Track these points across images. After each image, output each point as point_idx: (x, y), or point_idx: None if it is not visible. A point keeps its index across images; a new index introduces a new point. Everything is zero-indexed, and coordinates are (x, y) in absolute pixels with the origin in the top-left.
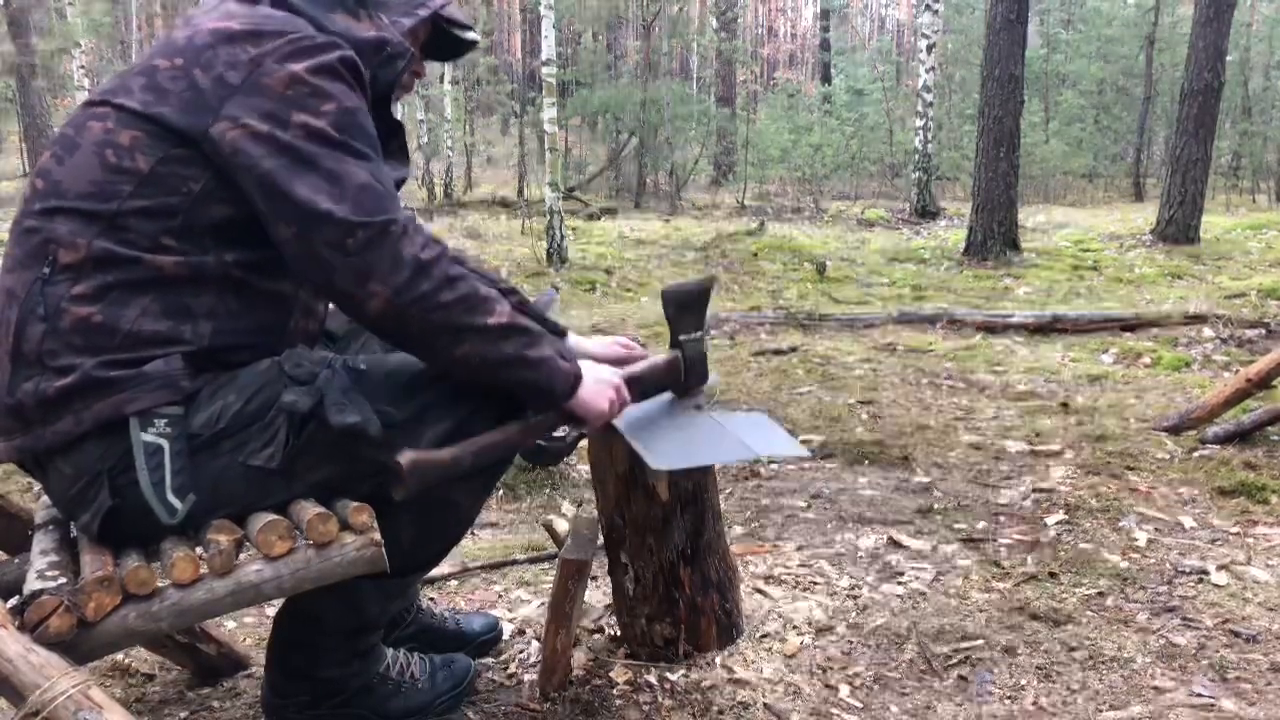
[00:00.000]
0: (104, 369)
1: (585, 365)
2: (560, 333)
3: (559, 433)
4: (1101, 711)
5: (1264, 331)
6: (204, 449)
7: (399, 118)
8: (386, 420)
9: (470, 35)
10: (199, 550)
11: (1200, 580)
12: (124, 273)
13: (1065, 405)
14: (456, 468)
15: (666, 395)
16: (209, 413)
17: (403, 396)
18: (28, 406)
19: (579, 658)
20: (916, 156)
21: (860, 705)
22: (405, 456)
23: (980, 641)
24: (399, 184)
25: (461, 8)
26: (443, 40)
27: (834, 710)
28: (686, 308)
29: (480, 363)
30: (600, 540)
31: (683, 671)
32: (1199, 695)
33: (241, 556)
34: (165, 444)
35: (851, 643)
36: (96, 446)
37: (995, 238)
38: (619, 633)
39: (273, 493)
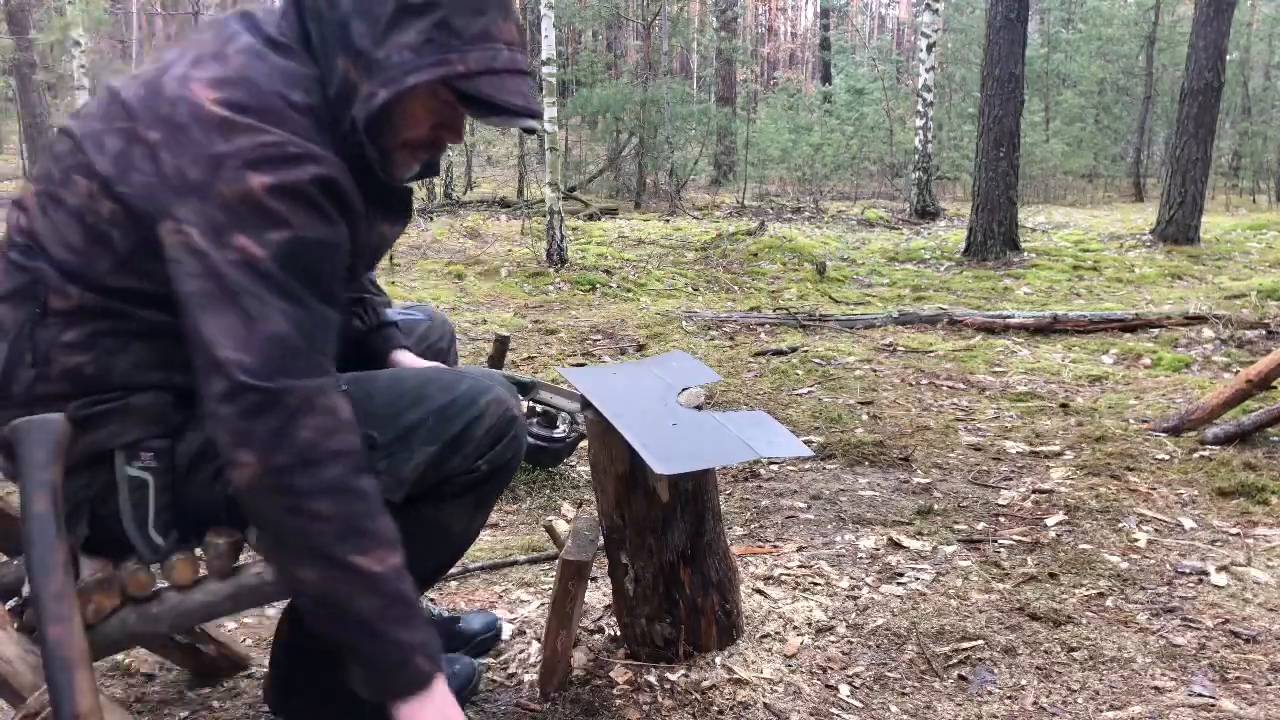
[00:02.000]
0: (90, 406)
1: (439, 695)
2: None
3: (558, 432)
4: (1101, 711)
5: (1264, 332)
6: (186, 477)
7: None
8: (367, 444)
9: (512, 122)
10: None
11: (1200, 581)
12: (116, 322)
13: (1065, 406)
14: None
15: (664, 393)
16: (191, 440)
17: (386, 418)
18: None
19: (579, 658)
20: (916, 156)
21: (860, 705)
22: None
23: (980, 641)
24: (398, 233)
25: (502, 79)
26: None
27: (834, 710)
28: None
29: (319, 601)
30: (600, 541)
31: (683, 671)
32: (1199, 695)
33: (241, 559)
34: (150, 479)
35: (851, 643)
36: (80, 476)
37: (995, 238)
38: (619, 633)
39: None
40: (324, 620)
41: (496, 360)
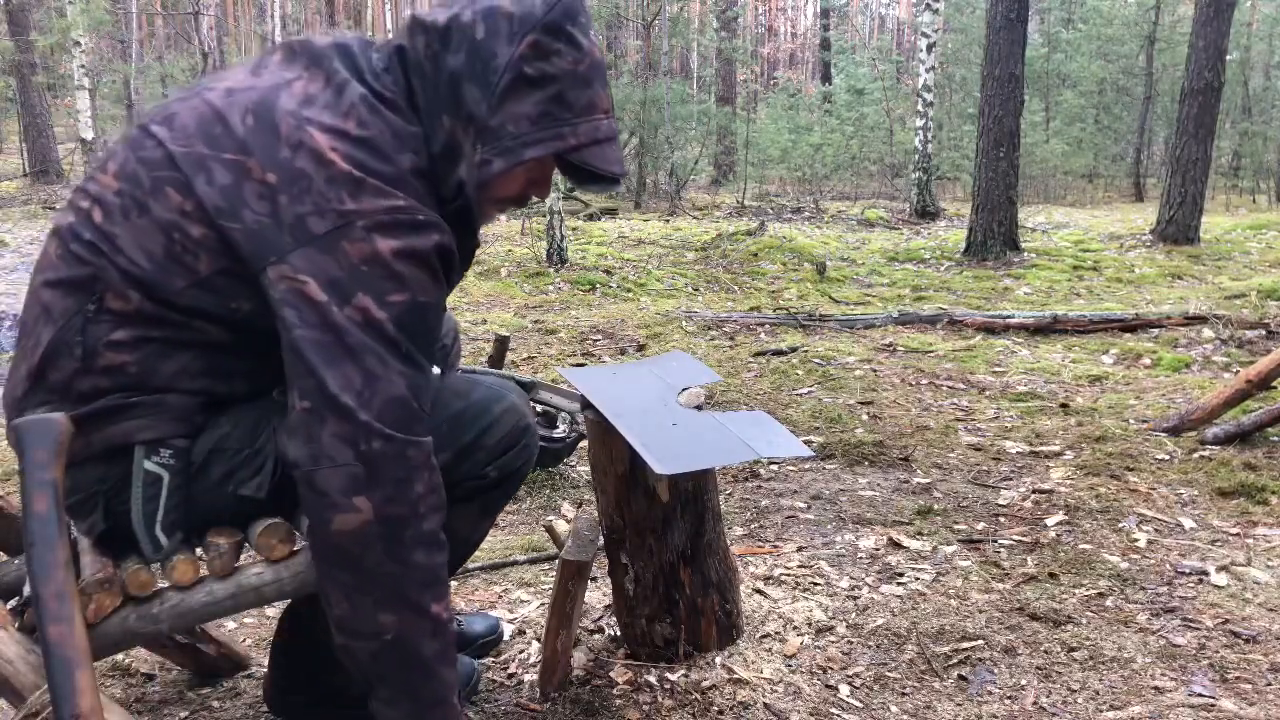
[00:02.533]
0: (124, 397)
1: None
2: None
3: (559, 432)
4: (1101, 711)
5: (1264, 332)
6: (198, 476)
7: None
8: None
9: (607, 188)
10: (199, 552)
11: (1200, 581)
12: (168, 331)
13: (1065, 406)
14: None
15: (664, 393)
16: (206, 440)
17: None
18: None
19: (579, 658)
20: (916, 156)
21: (860, 705)
22: None
23: (980, 641)
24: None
25: (604, 148)
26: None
27: (834, 710)
28: None
29: (394, 644)
30: (600, 541)
31: (683, 671)
32: (1199, 695)
33: (242, 559)
34: (165, 475)
35: (851, 643)
36: (97, 468)
37: (995, 238)
38: (619, 633)
39: (256, 518)
40: (389, 662)
41: (496, 360)
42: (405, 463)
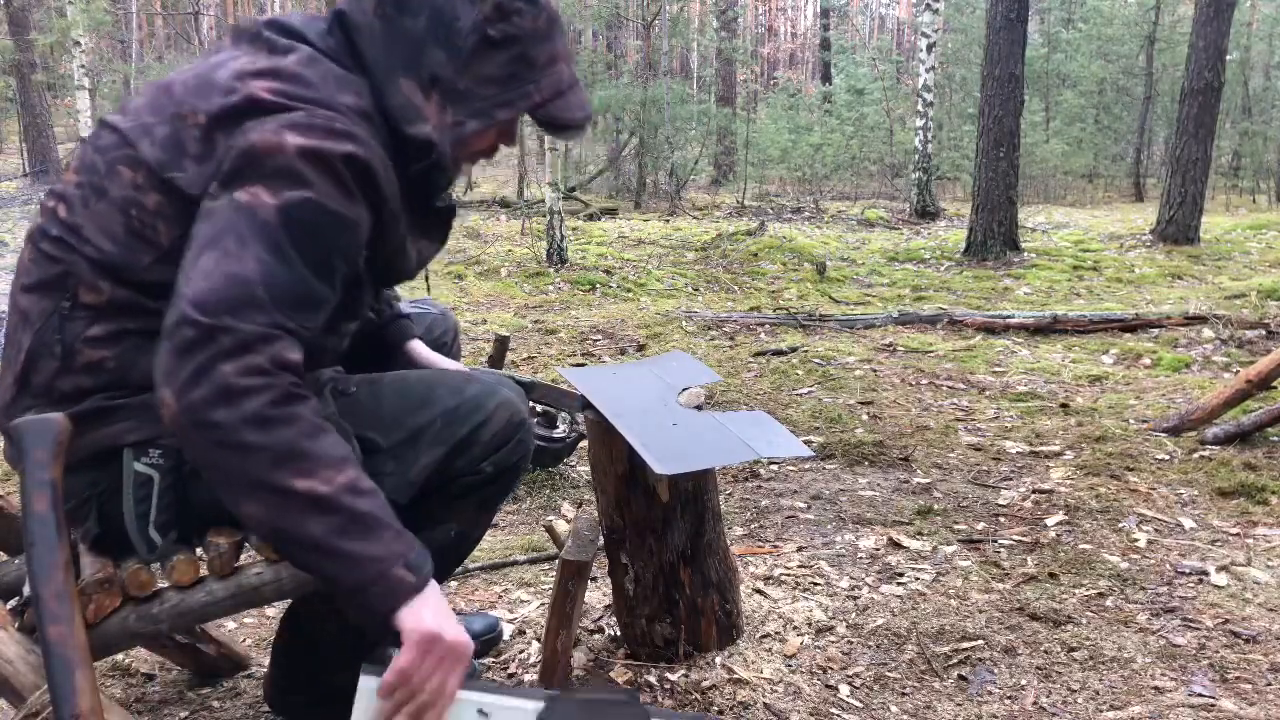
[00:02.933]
0: (107, 400)
1: (433, 599)
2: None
3: (559, 432)
4: (1101, 711)
5: (1264, 332)
6: (192, 475)
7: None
8: (370, 446)
9: (576, 135)
10: (199, 552)
11: (1200, 581)
12: (146, 320)
13: (1065, 406)
14: None
15: (664, 393)
16: None
17: (393, 421)
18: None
19: (579, 658)
20: (916, 156)
21: (860, 705)
22: None
23: (980, 641)
24: (432, 256)
25: (568, 98)
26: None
27: (834, 710)
28: None
29: (273, 534)
30: (600, 541)
31: (683, 671)
32: (1199, 695)
33: (242, 559)
34: (156, 475)
35: (851, 643)
36: (88, 473)
37: (995, 238)
38: (619, 633)
39: None
40: (288, 552)
41: (496, 360)
42: (211, 348)
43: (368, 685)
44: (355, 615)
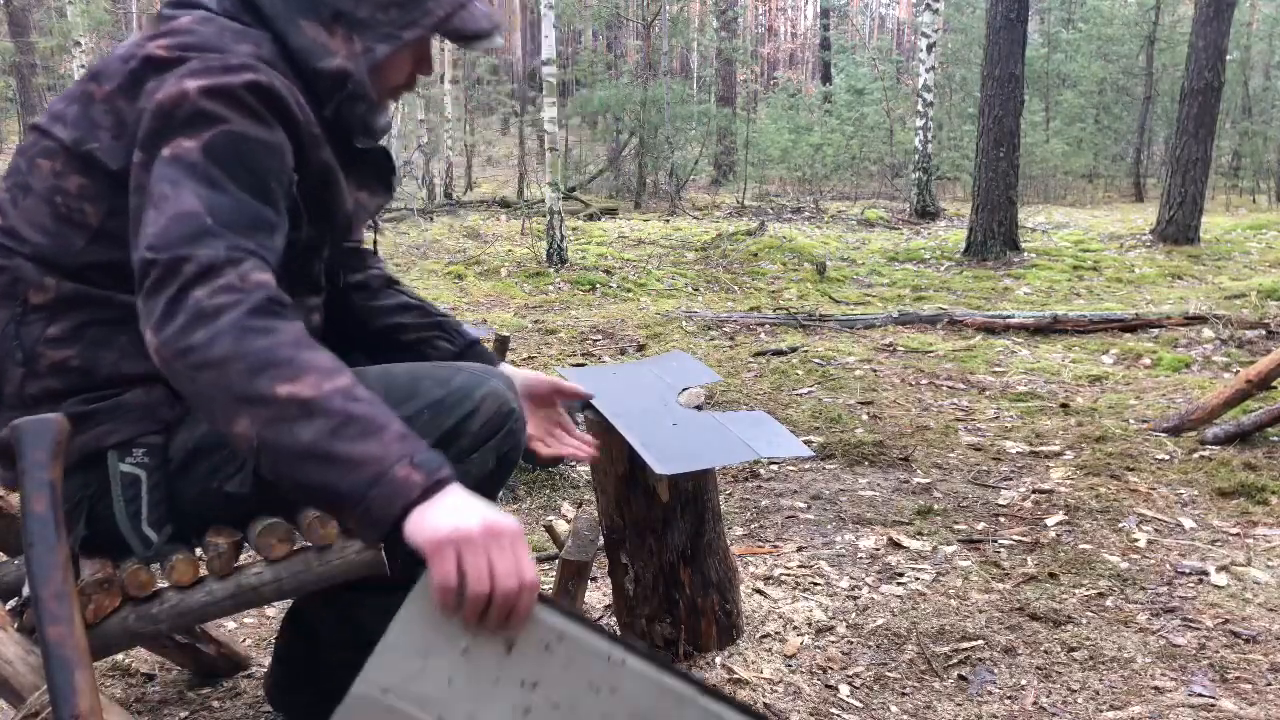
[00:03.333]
0: (84, 404)
1: (449, 496)
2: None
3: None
4: (1101, 711)
5: (1264, 332)
6: (180, 473)
7: (388, 139)
8: None
9: (488, 43)
10: (199, 552)
11: (1200, 581)
12: (98, 311)
13: (1065, 406)
14: None
15: (664, 393)
16: (186, 436)
17: None
18: (11, 444)
19: None
20: (916, 156)
21: (860, 705)
22: None
23: (980, 641)
24: (377, 209)
25: (470, 9)
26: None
27: (834, 710)
28: None
29: (264, 450)
30: (600, 541)
31: None
32: (1199, 695)
33: (241, 559)
34: (143, 474)
35: (851, 643)
36: (77, 476)
37: (995, 238)
38: (619, 633)
39: (253, 517)
40: (281, 471)
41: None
42: (177, 278)
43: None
44: (365, 537)
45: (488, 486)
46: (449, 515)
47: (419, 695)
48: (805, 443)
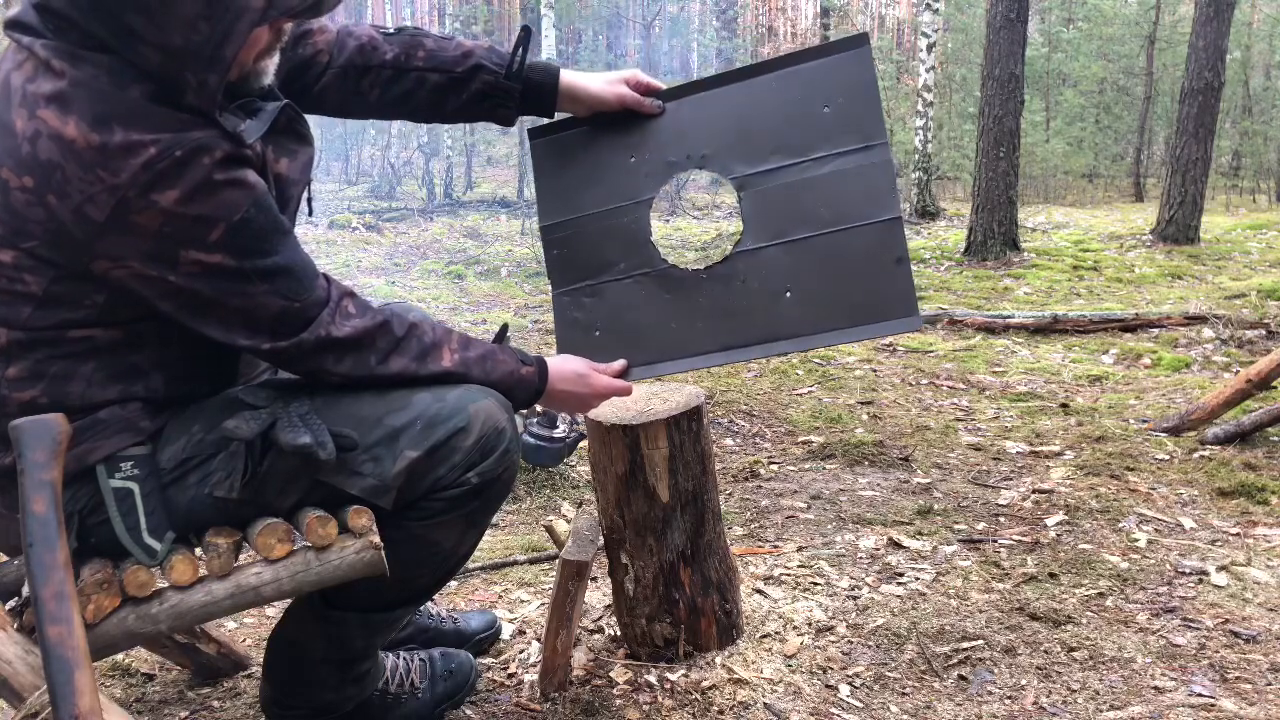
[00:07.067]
0: None
1: (561, 367)
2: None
3: (559, 432)
4: (1101, 711)
5: (1264, 332)
6: (174, 483)
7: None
8: (345, 444)
9: (317, 12)
10: (198, 552)
11: (1200, 581)
12: (55, 349)
13: (1065, 406)
14: None
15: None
16: (176, 445)
17: (372, 420)
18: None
19: (579, 658)
20: (916, 156)
21: (860, 705)
22: None
23: (980, 641)
24: (305, 167)
25: None
26: None
27: (834, 710)
28: None
29: (443, 389)
30: (600, 541)
31: (683, 671)
32: (1199, 695)
33: (241, 559)
34: (135, 486)
35: (851, 643)
36: (66, 491)
37: (995, 238)
38: (619, 633)
39: (249, 521)
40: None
41: None
42: (322, 343)
43: None
44: (521, 407)
45: (480, 510)
46: (563, 382)
47: None
48: (805, 443)
